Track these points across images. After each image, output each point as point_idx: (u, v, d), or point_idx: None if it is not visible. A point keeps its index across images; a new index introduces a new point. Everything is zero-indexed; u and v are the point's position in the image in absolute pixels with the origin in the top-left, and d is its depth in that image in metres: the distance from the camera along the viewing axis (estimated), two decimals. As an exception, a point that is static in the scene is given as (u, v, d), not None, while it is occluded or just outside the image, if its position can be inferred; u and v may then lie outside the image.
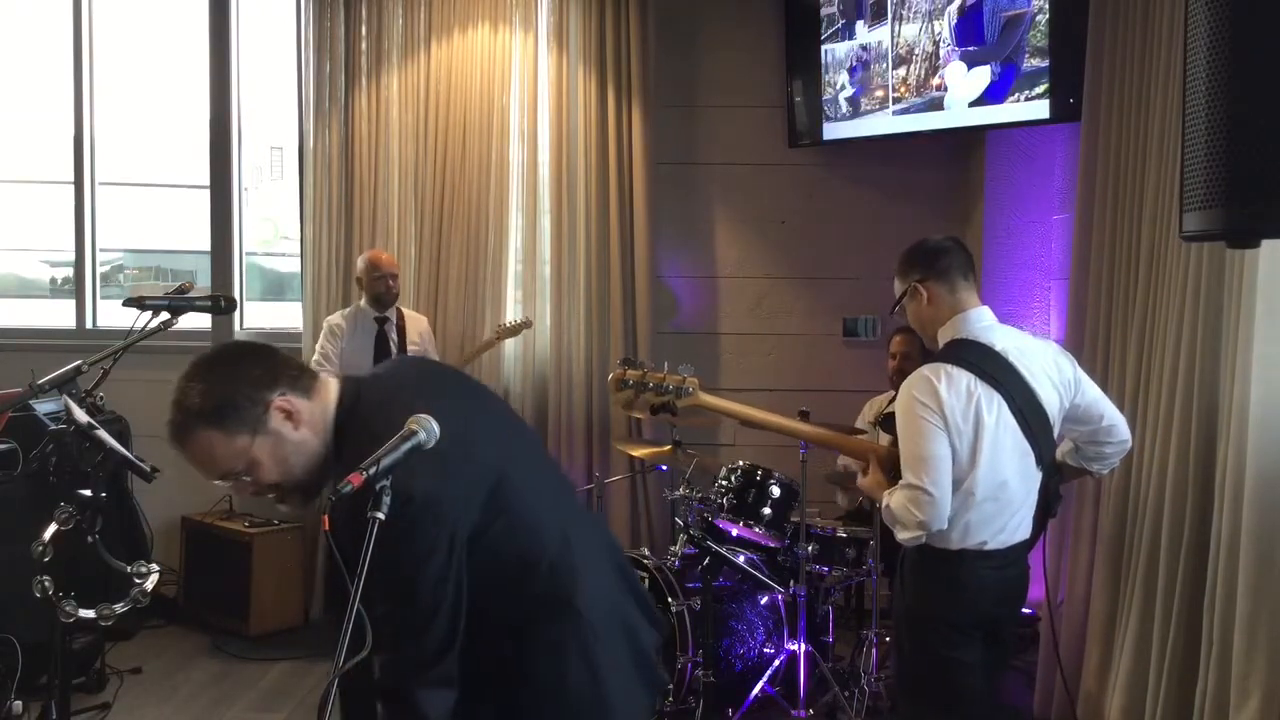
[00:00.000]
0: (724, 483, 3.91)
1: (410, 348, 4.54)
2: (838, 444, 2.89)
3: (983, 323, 2.50)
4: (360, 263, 4.53)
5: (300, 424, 1.66)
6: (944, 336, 2.52)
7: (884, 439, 2.67)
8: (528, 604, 1.74)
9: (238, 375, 1.64)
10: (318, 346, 4.48)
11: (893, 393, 4.24)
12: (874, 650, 3.69)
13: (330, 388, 1.73)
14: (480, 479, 1.68)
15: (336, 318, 4.53)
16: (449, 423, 1.55)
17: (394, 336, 4.50)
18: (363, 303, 4.50)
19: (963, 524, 2.40)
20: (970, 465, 2.38)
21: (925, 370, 2.43)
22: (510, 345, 4.90)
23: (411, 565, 1.58)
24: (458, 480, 1.63)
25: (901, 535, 2.42)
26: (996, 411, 2.39)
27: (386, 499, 1.66)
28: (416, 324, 4.62)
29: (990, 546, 2.43)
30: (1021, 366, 2.44)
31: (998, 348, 2.45)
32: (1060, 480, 2.60)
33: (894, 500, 2.40)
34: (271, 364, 1.68)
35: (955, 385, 2.38)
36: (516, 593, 1.73)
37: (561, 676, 1.74)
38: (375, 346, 4.46)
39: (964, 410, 2.37)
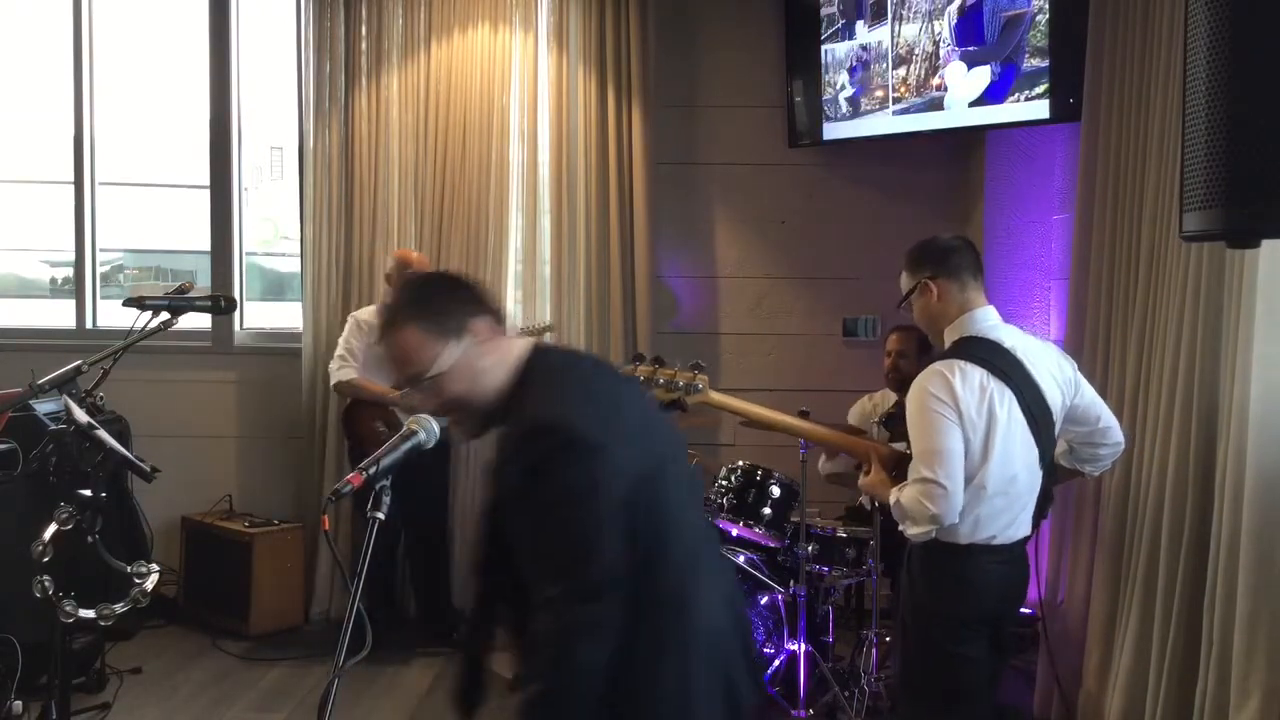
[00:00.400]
0: (724, 483, 3.92)
1: None
2: (841, 444, 2.91)
3: (989, 321, 2.53)
4: (390, 261, 4.55)
5: (490, 353, 1.80)
6: (951, 334, 2.54)
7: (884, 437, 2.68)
8: (644, 599, 1.72)
9: (449, 290, 1.86)
10: (342, 341, 4.48)
11: (888, 391, 4.24)
12: (874, 650, 3.69)
13: (519, 342, 1.88)
14: (642, 457, 1.75)
15: (365, 314, 4.53)
16: (633, 400, 1.87)
17: None
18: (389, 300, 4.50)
19: (973, 518, 2.41)
20: (982, 459, 2.39)
21: (938, 366, 2.45)
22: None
23: (567, 500, 1.67)
24: (623, 445, 1.71)
25: (912, 530, 2.42)
26: (1008, 406, 2.42)
27: (386, 499, 1.67)
28: None
29: (998, 541, 2.45)
30: (1029, 364, 2.47)
31: (1006, 345, 2.47)
32: (1054, 481, 2.61)
33: (905, 495, 2.41)
34: (479, 294, 1.87)
35: (969, 380, 2.40)
36: (634, 585, 1.71)
37: (654, 677, 1.74)
38: None
39: (978, 405, 2.39)
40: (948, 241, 2.62)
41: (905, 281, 2.63)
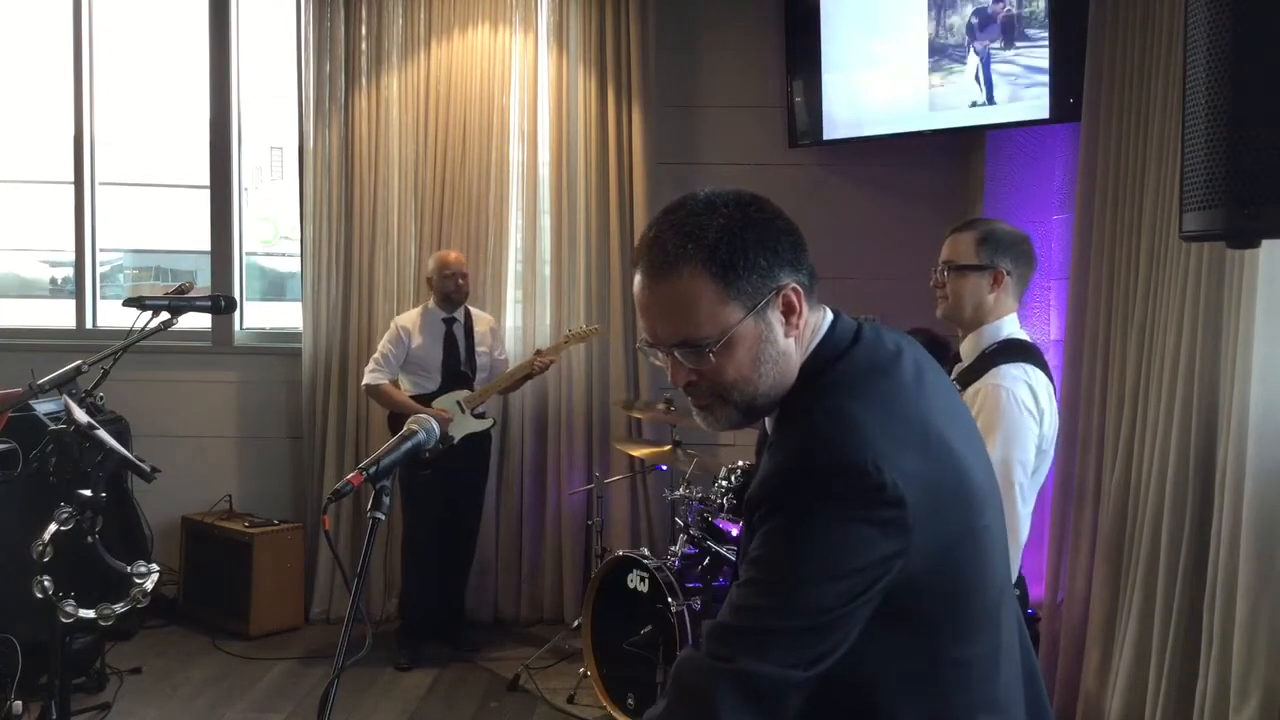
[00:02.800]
0: (724, 483, 3.91)
1: (478, 348, 4.54)
2: None
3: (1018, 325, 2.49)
4: (430, 262, 4.54)
5: (792, 330, 1.30)
6: (994, 332, 2.44)
7: None
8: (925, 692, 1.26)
9: (769, 235, 1.29)
10: (380, 345, 4.48)
11: None
12: None
13: (822, 315, 1.35)
14: (957, 520, 1.24)
15: (405, 319, 4.53)
16: (964, 452, 1.28)
17: (462, 336, 4.51)
18: (431, 303, 4.51)
19: None
20: (1035, 468, 2.35)
21: (1015, 371, 2.33)
22: (511, 346, 4.90)
23: (815, 549, 1.18)
24: (926, 517, 1.19)
25: None
26: (1055, 414, 2.39)
27: (386, 499, 1.66)
28: (484, 323, 4.64)
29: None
30: None
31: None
32: None
33: None
34: (800, 245, 1.33)
35: (1045, 389, 2.35)
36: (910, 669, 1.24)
37: None
38: (444, 347, 4.47)
39: (1050, 415, 2.35)
40: (1028, 239, 2.51)
41: (974, 256, 2.42)
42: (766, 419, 1.38)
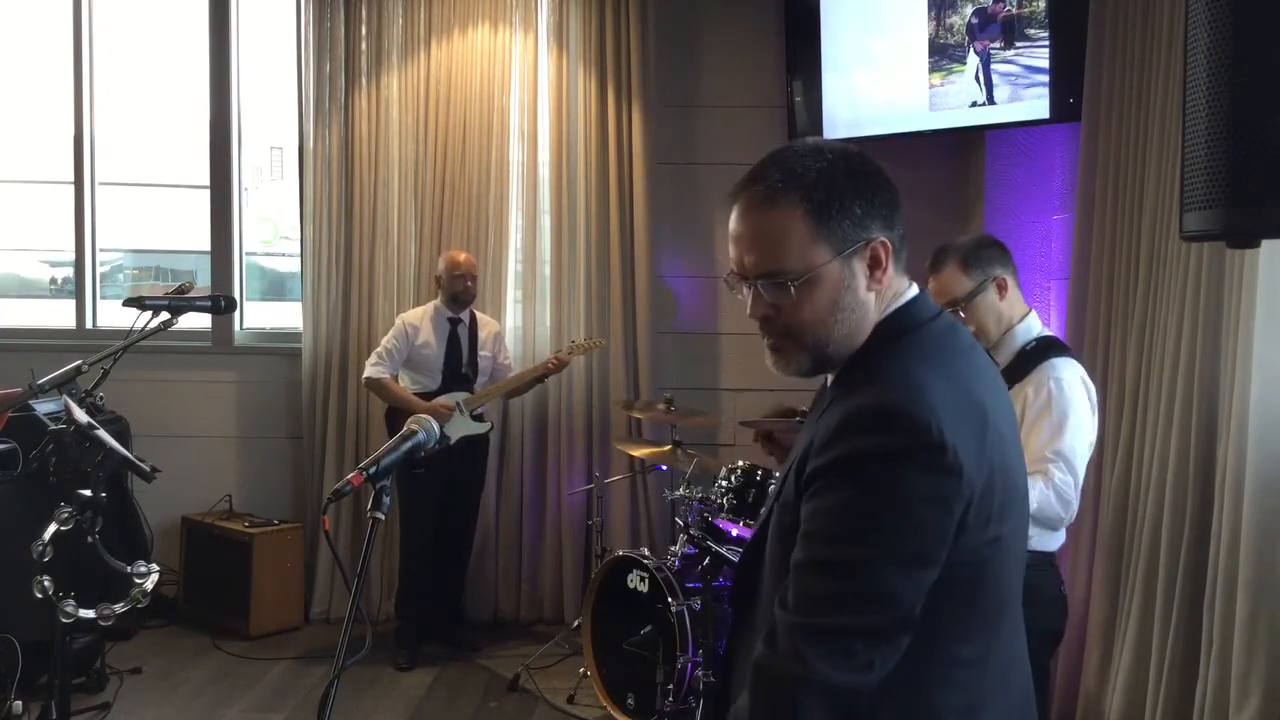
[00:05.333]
0: (724, 483, 3.91)
1: (481, 351, 4.55)
2: None
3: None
4: (440, 262, 4.56)
5: (874, 285, 1.31)
6: (1025, 332, 2.47)
7: None
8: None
9: (868, 187, 1.31)
10: (384, 341, 4.49)
11: None
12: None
13: (909, 286, 1.36)
14: (990, 515, 1.24)
15: (411, 316, 4.54)
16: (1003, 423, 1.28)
17: (465, 338, 4.52)
18: (438, 301, 4.51)
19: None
20: None
21: (1068, 361, 2.40)
22: (511, 346, 4.90)
23: (878, 511, 1.19)
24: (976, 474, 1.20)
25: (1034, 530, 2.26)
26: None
27: (386, 499, 1.66)
28: (488, 327, 4.64)
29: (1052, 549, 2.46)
30: None
31: None
32: None
33: (1037, 491, 2.25)
34: (896, 205, 1.34)
35: (1090, 381, 2.40)
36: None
37: None
38: (448, 347, 4.47)
39: (1095, 408, 2.40)
40: (996, 239, 2.55)
41: (965, 282, 2.47)
42: (829, 378, 1.38)
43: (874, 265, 1.31)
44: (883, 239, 1.31)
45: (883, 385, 1.24)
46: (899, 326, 1.32)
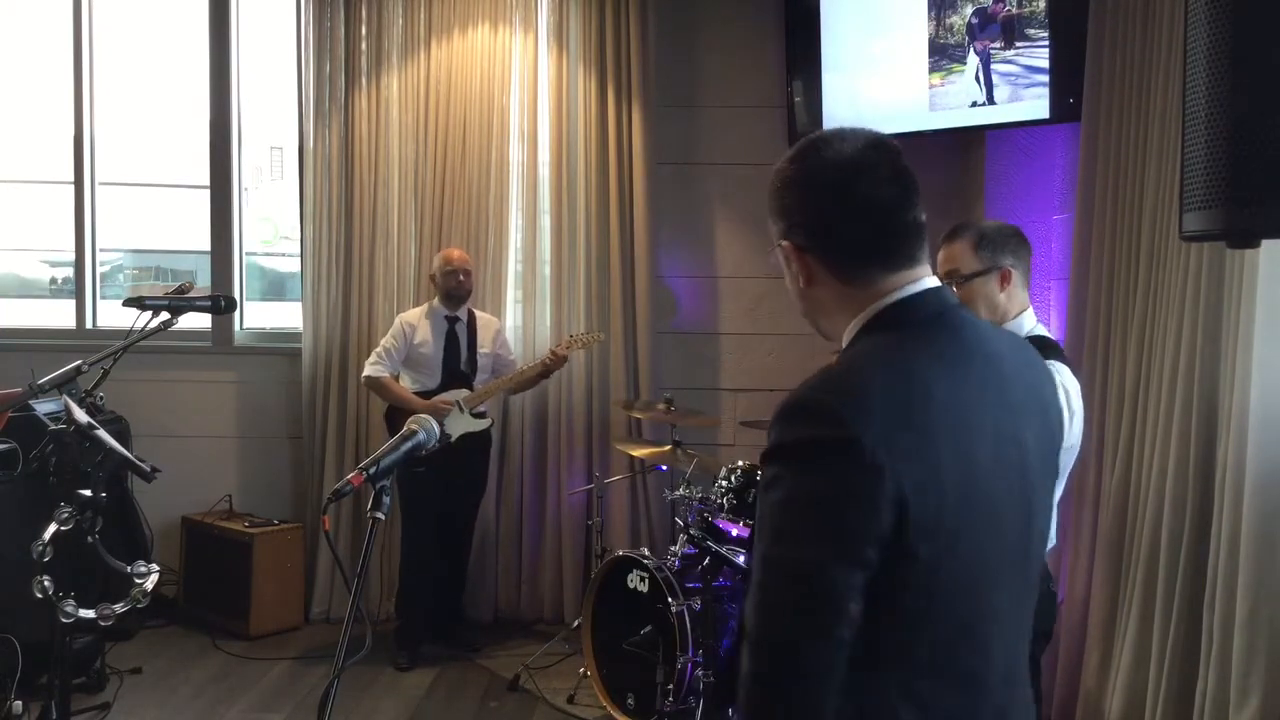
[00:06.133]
0: (724, 483, 3.91)
1: (480, 349, 4.55)
2: None
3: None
4: (435, 260, 4.56)
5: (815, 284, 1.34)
6: (1015, 330, 2.41)
7: None
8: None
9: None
10: (384, 340, 4.50)
11: None
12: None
13: (907, 286, 1.30)
14: (955, 512, 1.19)
15: (409, 315, 4.55)
16: (951, 395, 1.21)
17: (464, 336, 4.52)
18: (435, 301, 4.52)
19: None
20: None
21: (1057, 366, 2.24)
22: (512, 346, 4.90)
23: (790, 496, 1.18)
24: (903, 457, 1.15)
25: None
26: (1082, 416, 2.38)
27: (386, 499, 1.66)
28: (488, 325, 4.64)
29: None
30: None
31: None
32: None
33: None
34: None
35: (1075, 389, 2.31)
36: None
37: None
38: (445, 345, 4.48)
39: (1079, 417, 2.31)
40: (1019, 230, 2.48)
41: (972, 260, 2.41)
42: None
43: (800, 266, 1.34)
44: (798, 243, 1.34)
45: (822, 376, 1.23)
46: (875, 323, 1.29)
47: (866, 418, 1.14)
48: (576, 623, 4.26)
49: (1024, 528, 1.29)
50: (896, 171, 1.29)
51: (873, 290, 1.29)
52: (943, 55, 4.38)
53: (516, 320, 5.01)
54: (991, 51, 4.21)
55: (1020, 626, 1.33)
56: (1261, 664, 2.55)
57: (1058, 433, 1.38)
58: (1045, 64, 4.01)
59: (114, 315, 5.33)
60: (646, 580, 3.72)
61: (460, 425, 4.41)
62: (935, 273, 2.41)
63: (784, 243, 1.34)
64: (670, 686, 3.54)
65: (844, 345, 1.31)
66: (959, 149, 4.87)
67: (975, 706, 1.26)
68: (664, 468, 4.40)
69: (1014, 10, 4.11)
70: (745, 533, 3.87)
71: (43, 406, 3.79)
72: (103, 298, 5.46)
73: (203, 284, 5.31)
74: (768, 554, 1.18)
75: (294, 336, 5.10)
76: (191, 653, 4.55)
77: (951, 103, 4.36)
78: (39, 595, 2.57)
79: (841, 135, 1.30)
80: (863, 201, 1.28)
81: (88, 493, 2.70)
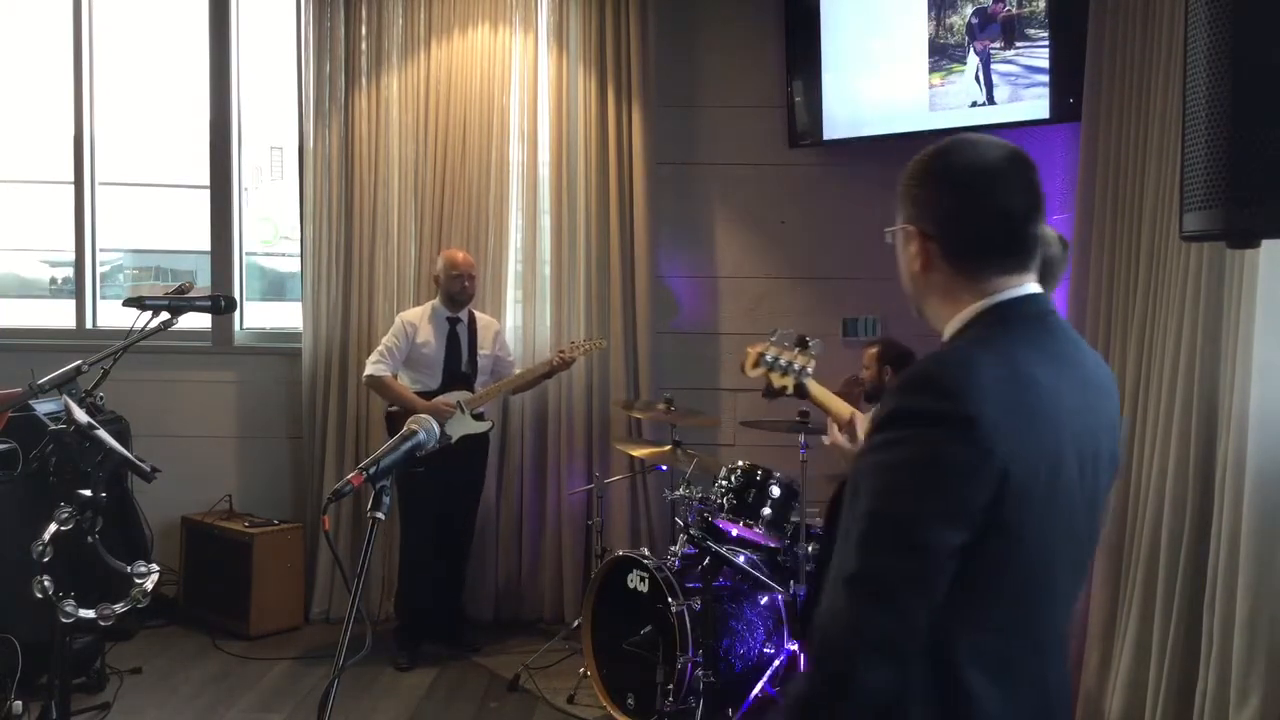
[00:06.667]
0: (724, 483, 3.92)
1: (480, 350, 4.55)
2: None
3: None
4: (439, 261, 4.56)
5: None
6: None
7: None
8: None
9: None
10: (385, 340, 4.50)
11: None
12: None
13: (1015, 287, 1.40)
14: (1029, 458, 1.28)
15: (410, 315, 4.55)
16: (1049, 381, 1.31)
17: (465, 337, 4.52)
18: (437, 301, 4.52)
19: None
20: None
21: None
22: (512, 346, 4.90)
23: (907, 469, 1.26)
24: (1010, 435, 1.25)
25: None
26: None
27: (386, 499, 1.66)
28: (488, 326, 4.64)
29: None
30: None
31: None
32: None
33: None
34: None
35: None
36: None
37: None
38: (446, 345, 4.48)
39: None
40: (1061, 236, 2.49)
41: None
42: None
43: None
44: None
45: (938, 357, 1.35)
46: (985, 317, 1.40)
47: (980, 396, 1.24)
48: (576, 623, 4.26)
49: (1088, 521, 1.40)
50: (1029, 185, 1.39)
51: (984, 286, 1.40)
52: (943, 55, 4.38)
53: (516, 320, 5.01)
54: (991, 51, 4.21)
55: (1070, 610, 1.45)
56: (1261, 664, 2.55)
57: (1117, 439, 1.49)
58: (1045, 64, 4.01)
59: (114, 315, 5.33)
60: (646, 580, 3.72)
61: (461, 427, 4.42)
62: None
63: (910, 226, 1.44)
64: (670, 686, 3.54)
65: (949, 333, 1.42)
66: (959, 149, 4.87)
67: (1040, 675, 1.37)
68: (664, 468, 4.40)
69: (1014, 10, 4.11)
70: (745, 533, 3.87)
71: (43, 406, 3.79)
72: (103, 298, 5.45)
73: (203, 284, 5.31)
74: (875, 509, 1.26)
75: (294, 336, 5.10)
76: (191, 653, 4.55)
77: (951, 103, 4.37)
78: (39, 595, 2.57)
79: (987, 142, 1.40)
80: (995, 205, 1.38)
81: (88, 493, 2.69)
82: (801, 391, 2.37)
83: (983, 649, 1.30)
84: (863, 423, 2.81)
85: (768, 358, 2.40)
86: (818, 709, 1.28)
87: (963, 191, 1.39)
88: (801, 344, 2.40)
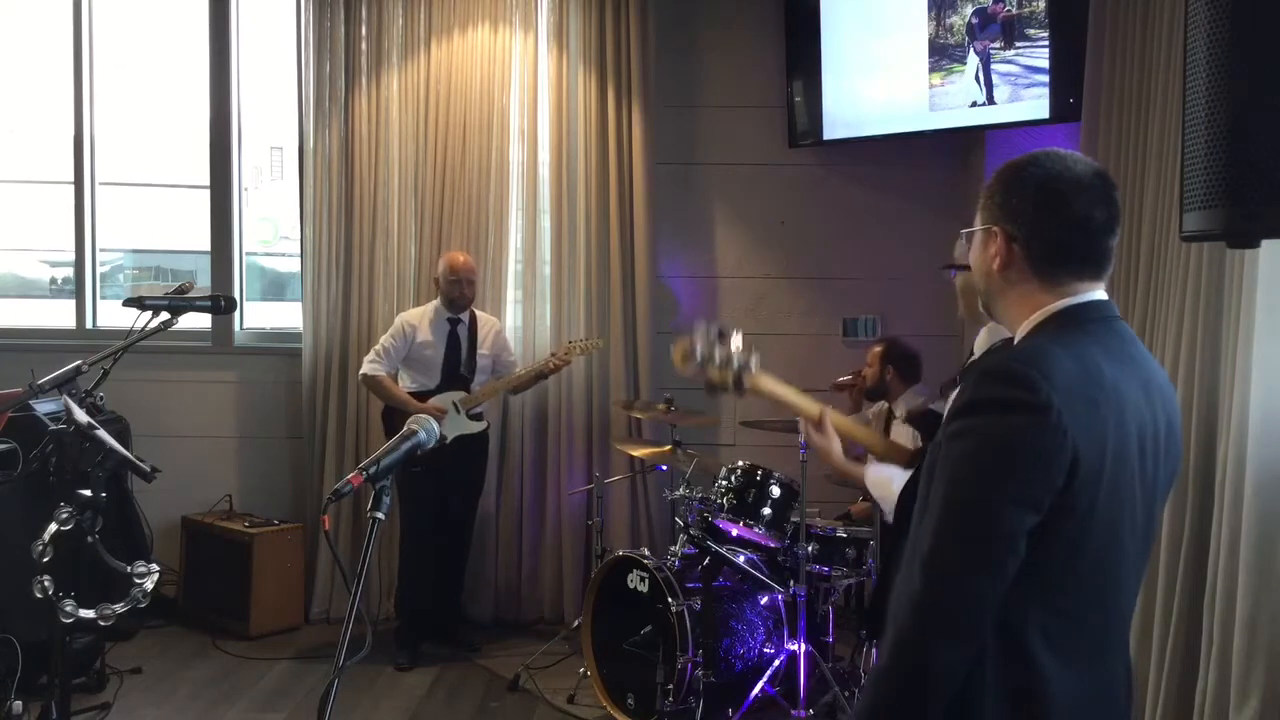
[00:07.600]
0: (724, 483, 3.91)
1: (480, 351, 4.55)
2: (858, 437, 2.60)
3: None
4: (440, 264, 4.56)
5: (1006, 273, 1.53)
6: (1000, 331, 2.41)
7: (902, 434, 2.58)
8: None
9: None
10: (383, 339, 4.50)
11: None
12: (874, 650, 3.69)
13: (1085, 291, 1.49)
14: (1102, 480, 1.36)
15: (411, 315, 4.55)
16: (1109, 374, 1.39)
17: (465, 338, 4.52)
18: (437, 302, 4.52)
19: None
20: None
21: None
22: (511, 346, 4.90)
23: (983, 456, 1.34)
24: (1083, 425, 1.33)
25: None
26: None
27: (386, 499, 1.66)
28: (489, 326, 4.64)
29: None
30: None
31: None
32: None
33: None
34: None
35: None
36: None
37: None
38: (446, 346, 4.48)
39: None
40: None
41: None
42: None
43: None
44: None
45: (1014, 351, 1.45)
46: (1057, 318, 1.48)
47: (1054, 387, 1.32)
48: (576, 623, 4.26)
49: (1146, 516, 1.46)
50: (1110, 201, 1.48)
51: (1058, 290, 1.48)
52: (943, 55, 4.38)
53: (516, 320, 5.01)
54: (991, 51, 4.21)
55: (1133, 604, 1.53)
56: (1261, 664, 2.55)
57: (1178, 442, 1.54)
58: (1045, 64, 4.01)
59: (114, 315, 5.32)
60: (646, 580, 3.72)
61: (455, 427, 4.42)
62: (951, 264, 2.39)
63: (994, 227, 1.50)
64: (670, 686, 3.54)
65: (1023, 331, 1.50)
66: (959, 149, 4.87)
67: (1108, 661, 1.45)
68: (664, 468, 4.40)
69: (1014, 10, 4.11)
70: (745, 533, 3.87)
71: (43, 406, 3.79)
72: (103, 298, 5.45)
73: (203, 284, 5.31)
74: (952, 494, 1.35)
75: (294, 336, 5.10)
76: (191, 653, 4.54)
77: (951, 103, 4.37)
78: (39, 595, 2.57)
79: (1075, 157, 1.49)
80: (1078, 215, 1.46)
81: (88, 493, 2.69)
82: (740, 386, 2.11)
83: (1052, 632, 1.37)
84: (852, 420, 2.72)
85: (697, 352, 2.12)
86: (893, 686, 1.36)
87: (1051, 197, 1.46)
88: (720, 337, 2.11)
